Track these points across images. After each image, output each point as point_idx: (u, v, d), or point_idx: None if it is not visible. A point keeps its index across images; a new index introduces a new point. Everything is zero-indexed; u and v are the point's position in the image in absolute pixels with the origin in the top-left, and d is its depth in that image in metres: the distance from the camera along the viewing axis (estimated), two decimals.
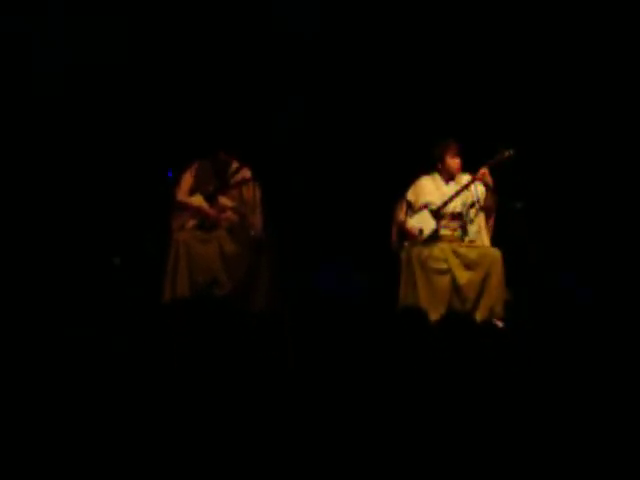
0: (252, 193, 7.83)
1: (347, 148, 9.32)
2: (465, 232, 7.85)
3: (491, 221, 7.88)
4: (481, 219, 7.87)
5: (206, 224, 7.73)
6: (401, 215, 7.81)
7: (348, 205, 9.05)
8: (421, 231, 7.72)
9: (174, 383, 3.20)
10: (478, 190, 7.80)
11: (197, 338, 3.08)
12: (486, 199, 7.81)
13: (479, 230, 7.84)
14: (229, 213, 7.82)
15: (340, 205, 9.23)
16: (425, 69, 9.87)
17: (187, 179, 7.85)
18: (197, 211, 7.75)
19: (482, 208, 7.82)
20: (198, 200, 7.78)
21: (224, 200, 7.83)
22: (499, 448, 3.24)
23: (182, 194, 7.82)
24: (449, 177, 7.87)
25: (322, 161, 9.64)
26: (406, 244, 7.74)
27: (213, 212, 7.75)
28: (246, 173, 7.84)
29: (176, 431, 3.06)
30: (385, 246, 8.02)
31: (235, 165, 7.85)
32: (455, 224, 7.84)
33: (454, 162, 7.82)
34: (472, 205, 7.83)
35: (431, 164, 7.92)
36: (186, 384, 3.22)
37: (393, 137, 9.06)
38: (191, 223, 7.75)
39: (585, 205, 9.83)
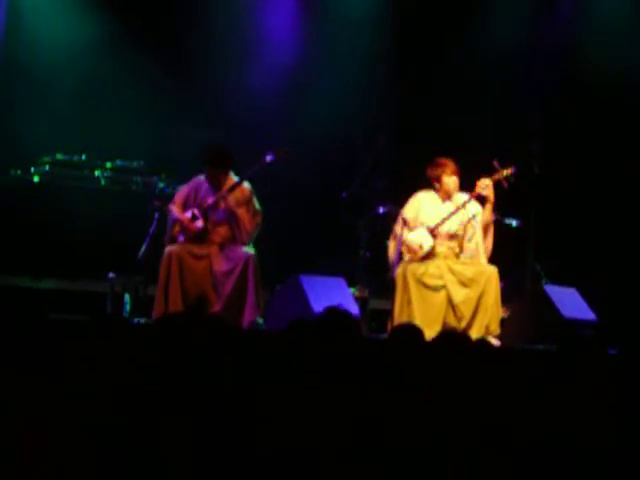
0: (242, 194, 7.58)
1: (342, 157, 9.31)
2: (461, 250, 7.80)
3: (489, 239, 7.78)
4: (478, 237, 7.77)
5: (187, 234, 7.55)
6: (399, 230, 7.77)
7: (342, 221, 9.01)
8: (421, 247, 7.65)
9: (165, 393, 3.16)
10: (473, 207, 7.76)
11: (188, 353, 3.05)
12: (484, 214, 7.73)
13: (476, 247, 7.76)
14: (220, 228, 7.62)
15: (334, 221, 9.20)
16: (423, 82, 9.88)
17: (181, 192, 7.73)
18: (177, 221, 7.58)
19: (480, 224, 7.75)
20: (179, 211, 7.60)
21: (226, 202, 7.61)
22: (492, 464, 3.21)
23: (172, 204, 7.68)
24: (446, 196, 7.80)
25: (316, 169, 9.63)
26: (403, 259, 7.69)
27: (187, 220, 7.54)
28: (239, 183, 7.59)
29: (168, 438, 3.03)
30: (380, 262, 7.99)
31: (231, 180, 7.68)
32: (452, 243, 7.78)
33: (452, 181, 7.75)
34: (468, 222, 7.76)
35: (428, 184, 7.85)
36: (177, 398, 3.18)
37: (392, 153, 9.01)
38: (181, 237, 7.57)
39: (584, 221, 9.82)
